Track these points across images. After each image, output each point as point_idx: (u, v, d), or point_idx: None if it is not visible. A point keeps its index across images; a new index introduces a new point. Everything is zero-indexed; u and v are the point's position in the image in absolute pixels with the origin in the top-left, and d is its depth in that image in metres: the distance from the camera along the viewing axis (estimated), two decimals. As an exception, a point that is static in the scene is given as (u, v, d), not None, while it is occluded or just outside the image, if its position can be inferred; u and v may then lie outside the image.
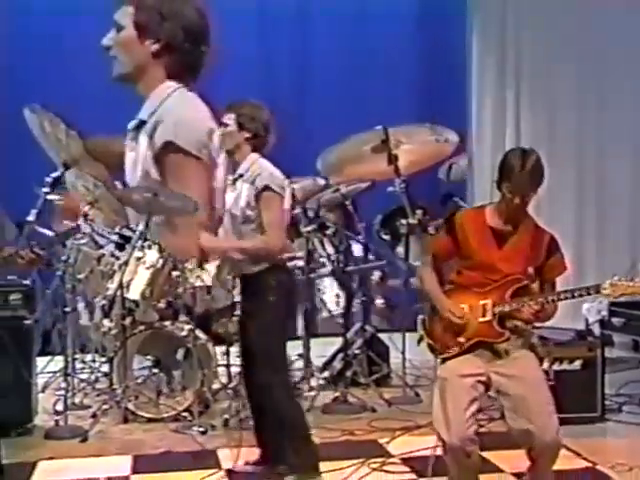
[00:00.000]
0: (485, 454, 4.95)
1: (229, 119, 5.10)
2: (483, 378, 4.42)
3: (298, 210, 7.12)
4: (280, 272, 5.04)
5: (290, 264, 6.89)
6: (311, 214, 7.22)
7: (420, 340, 4.71)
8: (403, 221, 6.90)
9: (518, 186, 4.38)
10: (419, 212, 6.89)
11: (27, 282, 6.36)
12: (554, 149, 8.94)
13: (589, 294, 4.39)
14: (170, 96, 3.27)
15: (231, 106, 5.16)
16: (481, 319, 4.46)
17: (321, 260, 7.12)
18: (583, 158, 9.28)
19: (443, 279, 4.67)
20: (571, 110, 9.25)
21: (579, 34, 9.14)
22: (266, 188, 4.94)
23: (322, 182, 7.23)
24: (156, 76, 3.22)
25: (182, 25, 3.19)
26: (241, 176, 5.01)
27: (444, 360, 4.57)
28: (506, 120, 9.22)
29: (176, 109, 3.24)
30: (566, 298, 4.40)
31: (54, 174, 4.89)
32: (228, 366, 6.82)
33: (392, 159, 6.73)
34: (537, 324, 4.76)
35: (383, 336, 7.50)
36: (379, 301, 7.81)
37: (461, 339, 4.49)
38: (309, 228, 6.98)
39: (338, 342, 7.29)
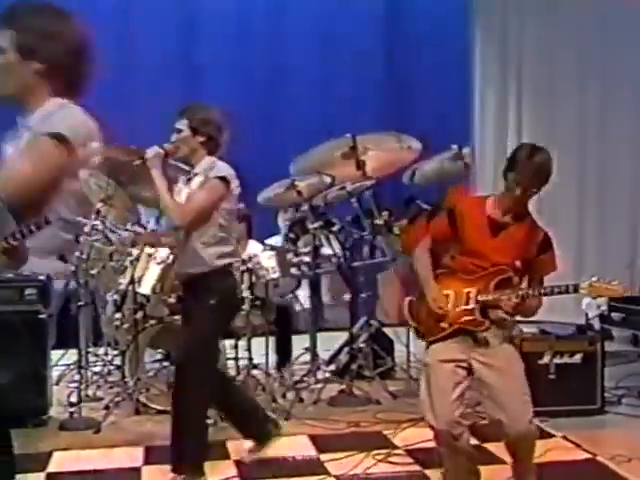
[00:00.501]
0: (487, 445, 4.99)
1: (182, 125, 4.99)
2: (464, 364, 4.46)
3: (305, 207, 7.17)
4: (222, 276, 5.02)
5: (295, 260, 6.99)
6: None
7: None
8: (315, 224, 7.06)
9: (522, 177, 4.41)
10: (385, 213, 7.18)
11: (42, 277, 6.35)
12: (554, 147, 8.97)
13: (567, 292, 4.39)
14: (56, 111, 3.20)
15: (183, 112, 5.04)
16: (464, 307, 4.49)
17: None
18: (584, 158, 9.29)
19: (439, 262, 4.68)
20: (572, 109, 9.28)
21: (580, 34, 9.17)
22: (220, 178, 4.90)
23: (328, 180, 7.25)
24: (42, 94, 3.20)
25: (64, 45, 3.18)
26: (196, 174, 4.98)
27: (429, 344, 4.59)
28: (508, 120, 9.24)
29: (66, 120, 3.22)
30: (545, 294, 4.42)
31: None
32: (236, 359, 6.76)
33: (360, 165, 6.98)
34: (533, 319, 4.81)
35: (388, 330, 7.50)
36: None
37: (444, 324, 4.52)
38: (315, 225, 7.00)
39: (344, 336, 7.33)
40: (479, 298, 4.46)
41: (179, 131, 4.98)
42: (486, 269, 4.49)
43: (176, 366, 5.11)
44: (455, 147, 7.42)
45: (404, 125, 8.62)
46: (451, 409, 4.41)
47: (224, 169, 4.95)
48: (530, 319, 4.75)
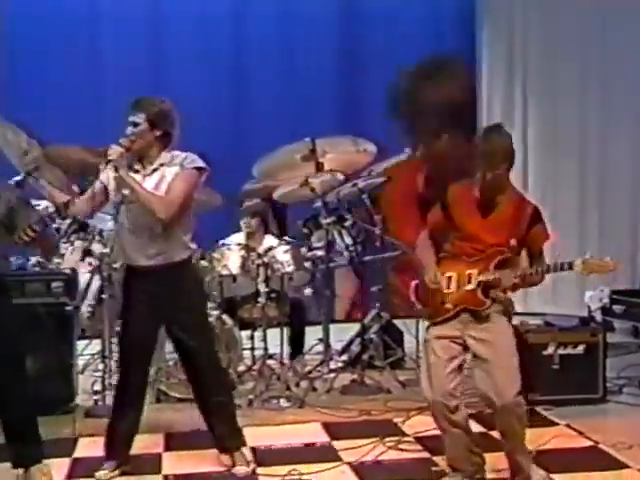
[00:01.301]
0: (493, 433, 5.01)
1: (139, 118, 4.79)
2: (459, 340, 4.55)
3: (318, 203, 7.20)
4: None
5: (309, 254, 7.02)
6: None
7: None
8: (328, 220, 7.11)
9: (484, 164, 4.50)
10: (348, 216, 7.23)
11: (67, 271, 6.42)
12: (558, 145, 9.02)
13: (562, 270, 4.47)
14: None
15: (137, 105, 4.84)
16: (466, 287, 4.55)
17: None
18: (586, 155, 9.30)
19: (440, 249, 4.76)
20: (574, 108, 9.30)
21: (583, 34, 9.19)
22: (197, 168, 4.87)
23: (341, 177, 7.29)
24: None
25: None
26: (162, 165, 4.85)
27: (431, 325, 4.69)
28: (514, 119, 9.27)
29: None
30: (542, 272, 4.50)
31: (16, 178, 4.91)
32: (252, 349, 6.87)
33: (319, 167, 7.05)
34: (538, 311, 4.87)
35: (398, 322, 7.51)
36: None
37: (448, 306, 4.59)
38: (328, 220, 7.03)
39: (356, 327, 7.34)
40: (480, 278, 4.52)
41: (135, 124, 4.80)
42: (484, 251, 4.55)
43: (198, 355, 5.05)
44: (408, 150, 7.45)
45: (361, 129, 8.75)
46: (446, 381, 4.51)
47: (198, 160, 4.91)
48: (535, 312, 4.81)
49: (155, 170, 4.85)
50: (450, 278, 4.63)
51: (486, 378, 4.49)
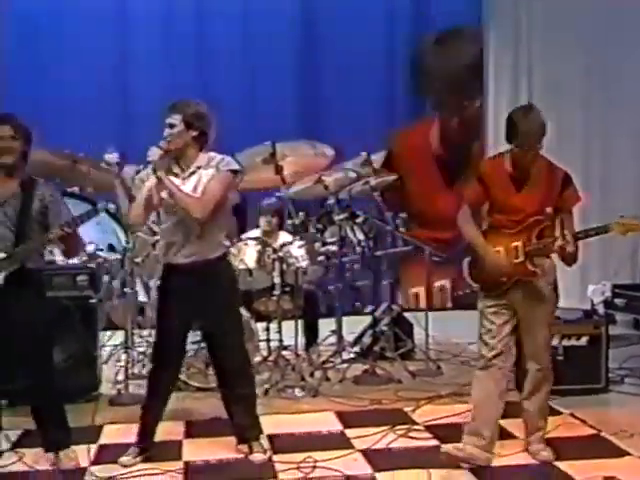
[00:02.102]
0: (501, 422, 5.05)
1: (175, 119, 4.80)
2: (510, 306, 4.75)
3: (331, 200, 7.23)
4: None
5: (323, 249, 7.05)
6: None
7: None
8: (289, 221, 7.23)
9: (527, 144, 4.59)
10: (301, 214, 7.30)
11: (92, 265, 6.45)
12: (562, 145, 9.00)
13: (598, 234, 4.62)
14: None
15: (174, 107, 4.84)
16: (515, 260, 4.67)
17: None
18: (589, 154, 9.29)
19: (480, 223, 4.88)
20: (578, 110, 9.30)
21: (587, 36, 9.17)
22: (233, 171, 4.91)
23: (353, 175, 7.32)
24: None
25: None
26: (199, 168, 4.87)
27: (484, 297, 4.83)
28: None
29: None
30: (580, 238, 4.60)
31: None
32: (268, 341, 6.88)
33: (278, 170, 7.08)
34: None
35: (408, 315, 7.54)
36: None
37: (503, 278, 4.72)
38: (341, 216, 7.05)
39: (367, 320, 7.36)
40: (526, 249, 4.65)
41: (172, 126, 4.80)
42: (523, 222, 4.66)
43: (230, 351, 5.09)
44: (364, 154, 7.47)
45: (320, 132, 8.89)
46: (499, 343, 4.73)
47: (233, 162, 4.95)
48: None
49: (193, 173, 4.87)
50: (498, 252, 4.74)
51: (529, 342, 4.77)
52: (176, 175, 4.87)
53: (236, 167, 4.94)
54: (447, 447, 4.86)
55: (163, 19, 9.58)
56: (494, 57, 9.43)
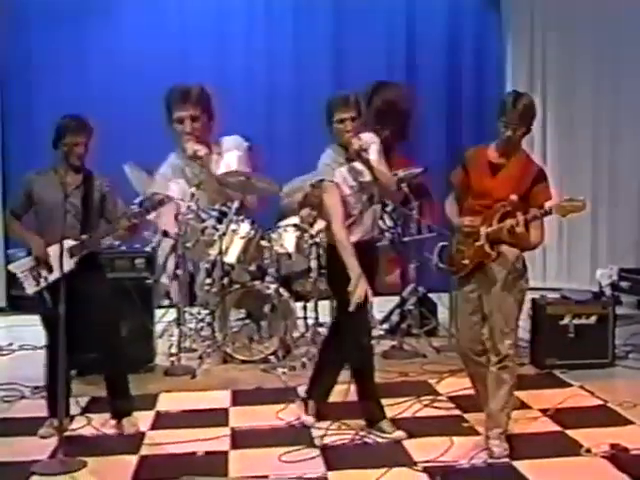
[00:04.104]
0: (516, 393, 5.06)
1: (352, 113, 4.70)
2: (477, 292, 4.59)
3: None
4: None
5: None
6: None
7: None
8: None
9: (510, 120, 4.42)
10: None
11: (148, 249, 6.53)
12: (573, 145, 9.00)
13: (544, 215, 4.37)
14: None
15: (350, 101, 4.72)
16: (476, 243, 4.52)
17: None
18: (598, 155, 9.27)
19: (461, 208, 4.73)
20: (588, 109, 9.26)
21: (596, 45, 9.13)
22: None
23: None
24: None
25: None
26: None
27: (458, 281, 4.71)
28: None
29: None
30: (529, 220, 4.36)
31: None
32: (305, 318, 6.89)
33: None
34: (556, 286, 4.86)
35: (432, 295, 7.51)
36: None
37: (465, 261, 4.59)
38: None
39: (395, 300, 7.35)
40: (486, 232, 4.47)
41: (353, 119, 4.67)
42: (489, 207, 4.49)
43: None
44: None
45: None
46: (470, 329, 4.61)
47: None
48: (553, 287, 4.80)
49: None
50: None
51: (489, 330, 4.54)
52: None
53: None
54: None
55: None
56: (512, 48, 9.38)
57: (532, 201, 4.48)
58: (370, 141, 4.85)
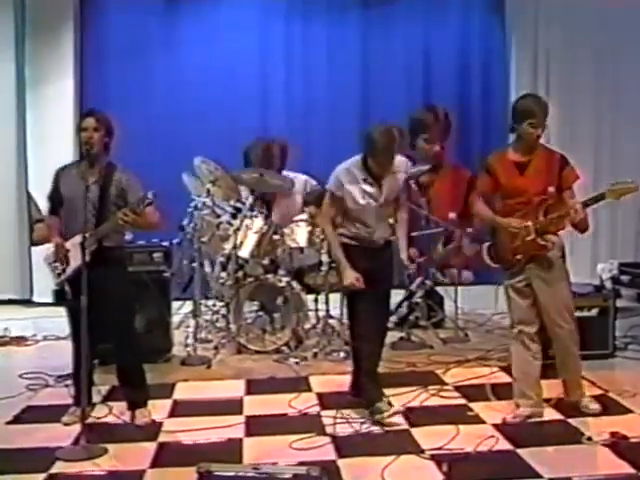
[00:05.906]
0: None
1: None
2: (529, 282, 4.75)
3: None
4: None
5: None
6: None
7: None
8: None
9: (539, 121, 4.61)
10: None
11: (166, 243, 6.50)
12: (575, 143, 8.96)
13: (597, 201, 4.55)
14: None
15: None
16: (527, 238, 4.67)
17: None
18: (599, 152, 9.24)
19: (493, 211, 4.88)
20: (590, 107, 9.24)
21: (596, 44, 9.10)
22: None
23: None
24: None
25: None
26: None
27: (508, 275, 4.84)
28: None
29: None
30: (587, 205, 4.56)
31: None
32: (317, 310, 6.88)
33: None
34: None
35: (439, 289, 7.52)
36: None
37: (519, 256, 4.73)
38: (381, 200, 7.04)
39: (403, 293, 7.31)
40: (535, 227, 4.65)
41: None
42: (529, 203, 4.66)
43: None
44: None
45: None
46: (525, 314, 4.76)
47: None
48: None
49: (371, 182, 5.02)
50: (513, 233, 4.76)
51: (552, 304, 4.72)
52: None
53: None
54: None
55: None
56: (516, 57, 9.35)
57: (564, 184, 4.70)
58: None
